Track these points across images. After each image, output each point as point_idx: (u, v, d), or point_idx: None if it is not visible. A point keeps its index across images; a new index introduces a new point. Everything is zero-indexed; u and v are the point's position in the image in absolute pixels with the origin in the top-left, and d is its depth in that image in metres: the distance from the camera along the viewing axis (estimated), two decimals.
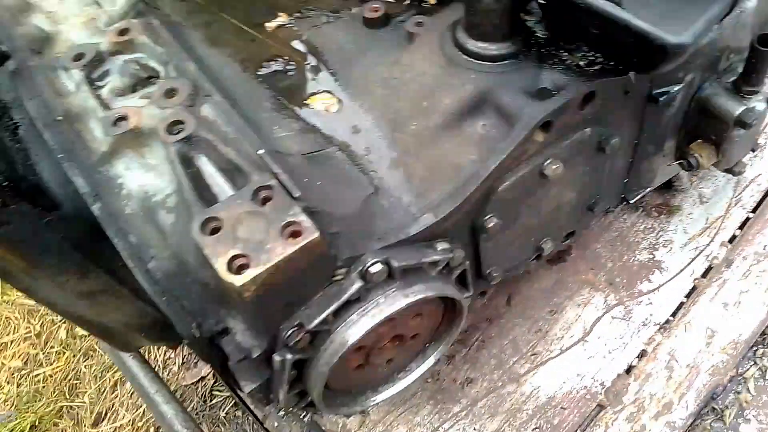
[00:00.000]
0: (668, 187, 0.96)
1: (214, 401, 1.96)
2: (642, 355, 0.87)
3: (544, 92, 0.58)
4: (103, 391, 1.89)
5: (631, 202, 0.85)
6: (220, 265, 0.48)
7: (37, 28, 0.72)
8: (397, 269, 0.56)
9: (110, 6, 0.72)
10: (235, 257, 0.49)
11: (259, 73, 0.69)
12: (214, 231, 0.51)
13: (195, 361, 1.95)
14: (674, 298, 0.90)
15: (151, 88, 0.64)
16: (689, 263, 0.91)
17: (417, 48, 0.64)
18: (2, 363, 1.89)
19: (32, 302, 1.98)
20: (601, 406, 0.85)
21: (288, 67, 0.69)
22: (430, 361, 0.73)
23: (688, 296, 0.90)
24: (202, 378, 2.00)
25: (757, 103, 0.61)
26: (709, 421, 0.83)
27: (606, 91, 0.58)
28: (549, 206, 0.70)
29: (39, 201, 0.61)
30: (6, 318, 1.97)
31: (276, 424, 0.94)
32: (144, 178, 0.59)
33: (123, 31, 0.67)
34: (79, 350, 1.90)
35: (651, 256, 0.94)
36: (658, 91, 0.62)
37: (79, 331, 1.93)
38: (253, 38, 0.72)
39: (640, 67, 0.52)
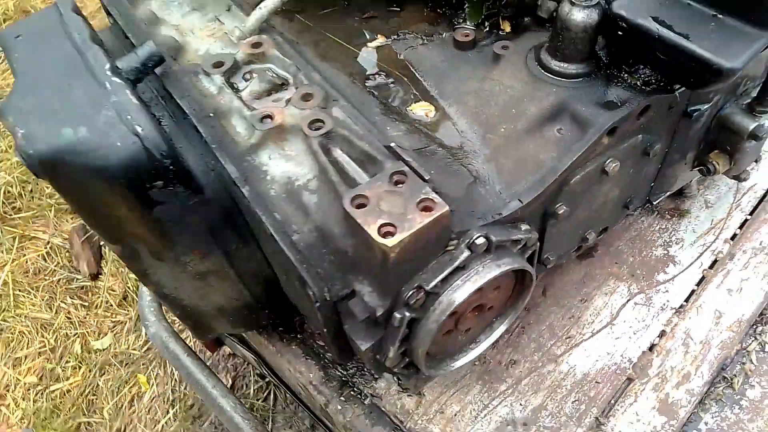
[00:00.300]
0: (679, 194, 1.13)
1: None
2: (662, 334, 1.02)
3: (610, 104, 0.73)
4: (121, 407, 1.92)
5: (654, 203, 1.01)
6: (372, 231, 0.61)
7: (171, 38, 0.84)
8: (494, 243, 0.69)
9: (238, 23, 0.85)
10: (383, 225, 0.61)
11: (366, 84, 0.82)
12: (361, 206, 0.63)
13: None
14: (687, 286, 1.05)
15: (283, 93, 0.77)
16: (698, 257, 1.08)
17: (504, 66, 0.79)
18: (17, 378, 1.91)
19: (46, 316, 2.00)
20: (629, 379, 0.99)
21: (389, 81, 0.83)
22: (497, 333, 0.86)
23: (698, 284, 1.06)
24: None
25: (767, 121, 0.78)
26: (720, 388, 0.98)
27: (657, 105, 0.74)
28: (599, 201, 0.85)
29: (189, 185, 0.72)
30: (20, 332, 1.99)
31: (339, 407, 1.03)
32: (285, 166, 0.72)
33: (256, 45, 0.79)
34: (95, 364, 1.94)
35: (666, 252, 1.10)
36: (693, 108, 0.78)
37: (95, 344, 1.96)
38: (356, 56, 0.86)
39: (695, 85, 0.68)
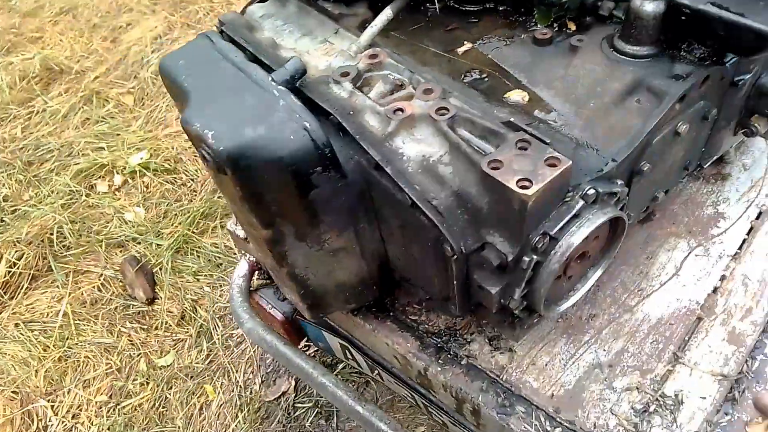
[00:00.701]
0: (720, 160, 1.29)
1: (297, 413, 2.10)
2: (722, 278, 1.15)
3: (678, 77, 0.89)
4: (192, 416, 2.01)
5: (705, 167, 1.16)
6: (512, 185, 0.74)
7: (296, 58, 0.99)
8: (600, 195, 0.83)
9: (348, 41, 1.00)
10: (520, 179, 0.75)
11: (464, 80, 0.97)
12: (496, 168, 0.77)
13: (274, 378, 2.10)
14: (739, 236, 1.20)
15: (403, 92, 0.92)
16: (745, 211, 1.23)
17: (583, 55, 0.95)
18: (89, 398, 1.99)
19: (109, 340, 2.09)
20: (699, 318, 1.11)
21: (482, 76, 0.98)
22: (594, 278, 0.99)
23: (748, 233, 1.20)
24: (284, 393, 2.15)
25: None
26: None
27: (714, 75, 0.90)
28: (669, 161, 1.00)
29: (339, 170, 0.85)
30: (85, 356, 2.08)
31: (438, 369, 1.13)
32: (418, 147, 0.86)
33: (373, 56, 0.94)
34: (162, 380, 2.03)
35: (715, 210, 1.25)
36: (738, 77, 0.95)
37: (159, 361, 2.05)
38: (449, 59, 1.02)
39: (749, 53, 0.84)
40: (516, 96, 0.94)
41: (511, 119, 0.83)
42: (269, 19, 1.10)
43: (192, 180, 2.58)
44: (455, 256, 0.83)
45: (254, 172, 0.80)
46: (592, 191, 0.82)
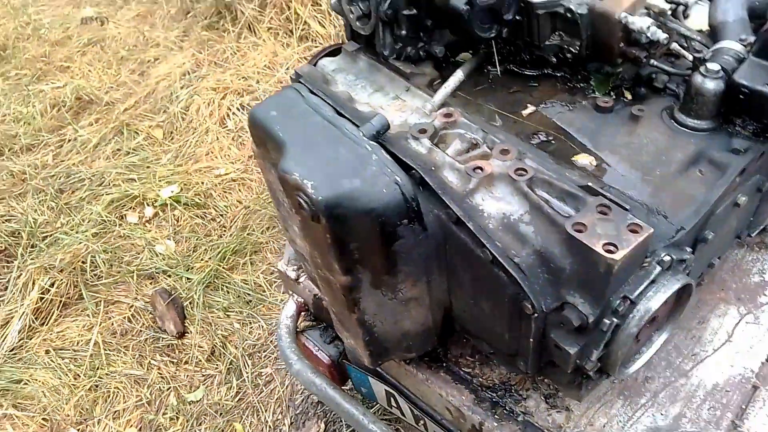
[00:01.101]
0: (763, 230, 1.33)
1: None
2: None
3: (736, 151, 0.94)
4: None
5: (752, 235, 1.20)
6: (599, 248, 0.77)
7: (371, 112, 1.04)
8: (674, 261, 0.86)
9: (420, 99, 1.06)
10: (606, 243, 0.78)
11: (531, 142, 1.02)
12: (580, 231, 0.80)
13: (303, 420, 2.06)
14: None
15: (477, 150, 0.96)
16: None
17: (645, 124, 1.01)
18: (118, 430, 1.96)
19: (139, 372, 2.07)
20: (755, 387, 1.12)
21: (549, 138, 1.03)
22: (660, 340, 0.99)
23: None
24: None
25: None
26: None
27: None
28: (725, 230, 1.04)
29: (422, 222, 0.88)
30: (115, 387, 2.06)
31: (494, 424, 1.13)
32: (497, 205, 0.89)
33: (448, 114, 1.00)
34: (192, 415, 2.02)
35: (762, 279, 1.28)
36: None
37: (189, 396, 2.03)
38: (514, 120, 1.07)
39: None
40: (584, 160, 0.99)
41: (589, 183, 0.87)
42: (341, 74, 1.16)
43: (221, 215, 2.61)
44: (535, 315, 0.85)
45: (346, 221, 0.83)
46: (667, 257, 0.85)
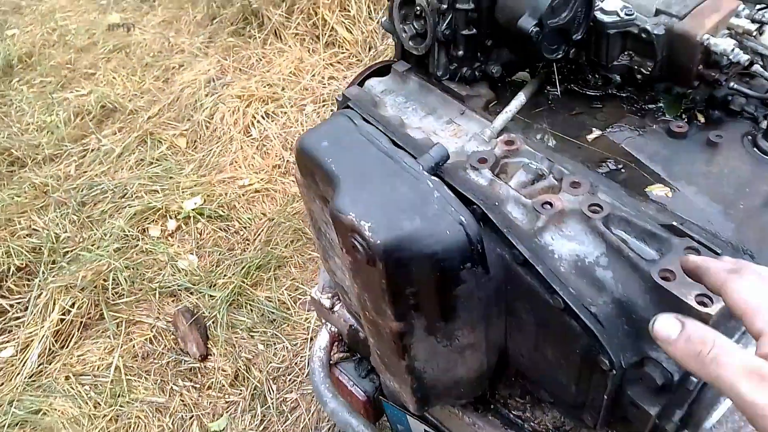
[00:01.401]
0: None
1: None
2: None
3: None
4: None
5: None
6: (692, 301, 0.69)
7: (423, 138, 0.97)
8: None
9: (476, 124, 0.98)
10: (698, 295, 0.70)
11: (599, 170, 0.94)
12: (666, 279, 0.72)
13: None
14: None
15: (543, 182, 0.88)
16: None
17: (724, 151, 0.92)
18: None
19: (161, 400, 2.01)
20: None
21: (619, 167, 0.95)
22: None
23: None
24: None
25: None
26: None
27: None
28: None
29: (485, 265, 0.81)
30: (136, 416, 2.00)
31: None
32: (569, 245, 0.81)
33: (509, 142, 0.92)
34: None
35: None
36: None
37: (212, 426, 1.97)
38: (579, 146, 0.99)
39: None
40: (659, 191, 0.91)
41: (673, 222, 0.78)
42: (390, 95, 1.09)
43: (245, 228, 2.56)
44: (612, 371, 0.77)
45: (405, 265, 0.76)
46: None
